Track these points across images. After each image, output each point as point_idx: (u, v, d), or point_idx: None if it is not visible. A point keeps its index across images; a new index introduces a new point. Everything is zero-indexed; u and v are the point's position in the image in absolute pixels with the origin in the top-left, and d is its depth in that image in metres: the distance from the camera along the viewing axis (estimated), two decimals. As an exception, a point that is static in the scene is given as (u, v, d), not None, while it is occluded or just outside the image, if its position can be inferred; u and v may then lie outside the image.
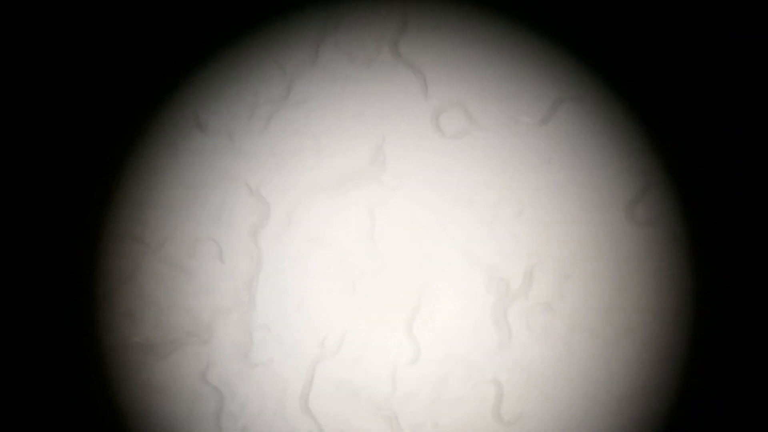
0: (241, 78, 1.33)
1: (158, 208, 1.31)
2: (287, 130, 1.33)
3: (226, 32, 1.32)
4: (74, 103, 1.31)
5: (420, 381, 1.32)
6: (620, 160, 1.30)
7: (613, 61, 1.30)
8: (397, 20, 1.32)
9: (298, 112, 1.33)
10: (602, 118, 1.31)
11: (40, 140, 1.31)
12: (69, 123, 1.31)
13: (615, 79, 1.31)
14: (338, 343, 1.32)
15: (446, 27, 1.32)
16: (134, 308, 1.30)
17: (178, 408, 1.30)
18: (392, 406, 1.31)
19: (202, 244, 1.32)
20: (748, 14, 1.28)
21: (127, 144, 1.32)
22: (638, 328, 1.29)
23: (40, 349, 1.29)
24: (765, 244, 1.28)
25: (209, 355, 1.31)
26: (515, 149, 1.31)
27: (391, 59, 1.32)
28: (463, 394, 1.31)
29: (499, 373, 1.31)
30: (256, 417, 1.31)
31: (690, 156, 1.29)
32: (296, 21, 1.32)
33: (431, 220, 1.32)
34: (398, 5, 1.32)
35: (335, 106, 1.33)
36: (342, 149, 1.33)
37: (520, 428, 1.30)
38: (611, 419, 1.30)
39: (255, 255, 1.32)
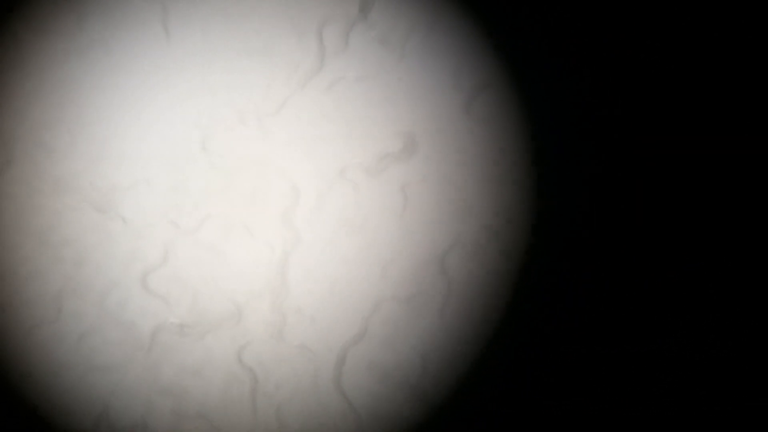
0: (272, 64, 1.33)
1: (192, 193, 1.33)
2: (318, 115, 1.34)
3: (258, 18, 1.33)
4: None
5: (450, 362, 1.34)
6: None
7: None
8: (429, 5, 1.32)
9: (329, 97, 1.34)
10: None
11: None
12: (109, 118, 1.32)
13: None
14: (368, 325, 1.34)
15: (479, 12, 1.32)
16: (169, 291, 1.32)
17: (213, 389, 1.33)
18: (423, 386, 1.34)
19: (236, 227, 1.33)
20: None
21: (159, 130, 1.33)
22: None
23: (71, 335, 1.32)
24: None
25: (244, 336, 1.33)
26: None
27: (422, 43, 1.32)
28: (491, 375, 1.34)
29: (526, 352, 1.34)
30: (291, 397, 1.34)
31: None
32: (325, 5, 1.33)
33: (462, 204, 1.34)
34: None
35: (366, 90, 1.33)
36: (373, 133, 1.34)
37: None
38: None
39: (288, 238, 1.34)
